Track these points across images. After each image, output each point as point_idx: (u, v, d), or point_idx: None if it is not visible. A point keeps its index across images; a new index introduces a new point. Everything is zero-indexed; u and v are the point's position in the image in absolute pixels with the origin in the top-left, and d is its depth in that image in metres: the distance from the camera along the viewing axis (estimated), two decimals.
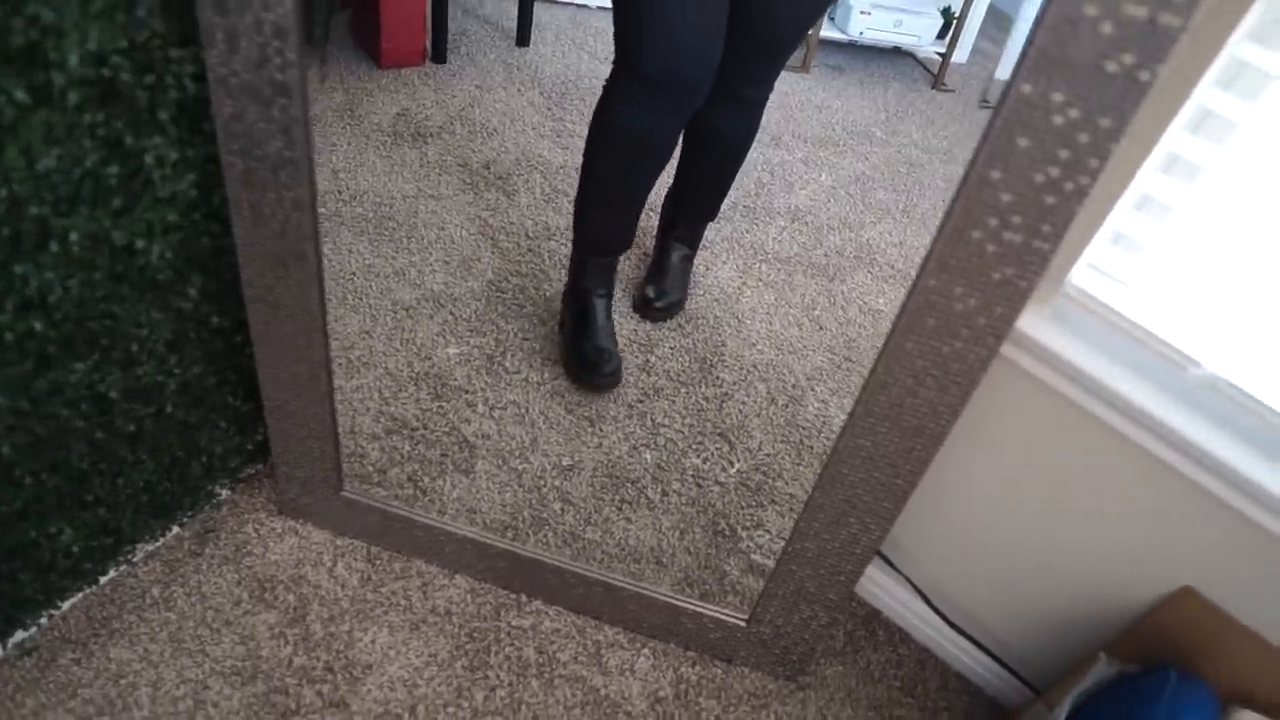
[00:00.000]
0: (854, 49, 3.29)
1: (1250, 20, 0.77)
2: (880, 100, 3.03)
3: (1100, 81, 0.63)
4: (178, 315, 0.99)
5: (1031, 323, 0.94)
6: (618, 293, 1.76)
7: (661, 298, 1.71)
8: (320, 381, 1.06)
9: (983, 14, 3.50)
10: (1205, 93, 0.82)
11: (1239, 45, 0.79)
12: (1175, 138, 0.85)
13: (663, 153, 1.46)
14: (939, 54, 3.23)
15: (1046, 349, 0.93)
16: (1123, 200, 0.86)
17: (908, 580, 1.25)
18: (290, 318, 0.99)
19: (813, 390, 1.65)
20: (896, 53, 3.39)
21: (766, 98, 1.55)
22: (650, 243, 1.92)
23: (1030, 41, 0.65)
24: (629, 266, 1.85)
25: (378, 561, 1.20)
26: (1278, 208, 0.84)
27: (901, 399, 0.87)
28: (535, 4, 2.77)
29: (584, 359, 1.53)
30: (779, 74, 1.52)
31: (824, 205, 2.28)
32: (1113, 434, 0.95)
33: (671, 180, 1.75)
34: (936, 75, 3.26)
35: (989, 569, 1.17)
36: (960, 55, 3.52)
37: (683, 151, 1.64)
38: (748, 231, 2.07)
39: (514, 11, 2.81)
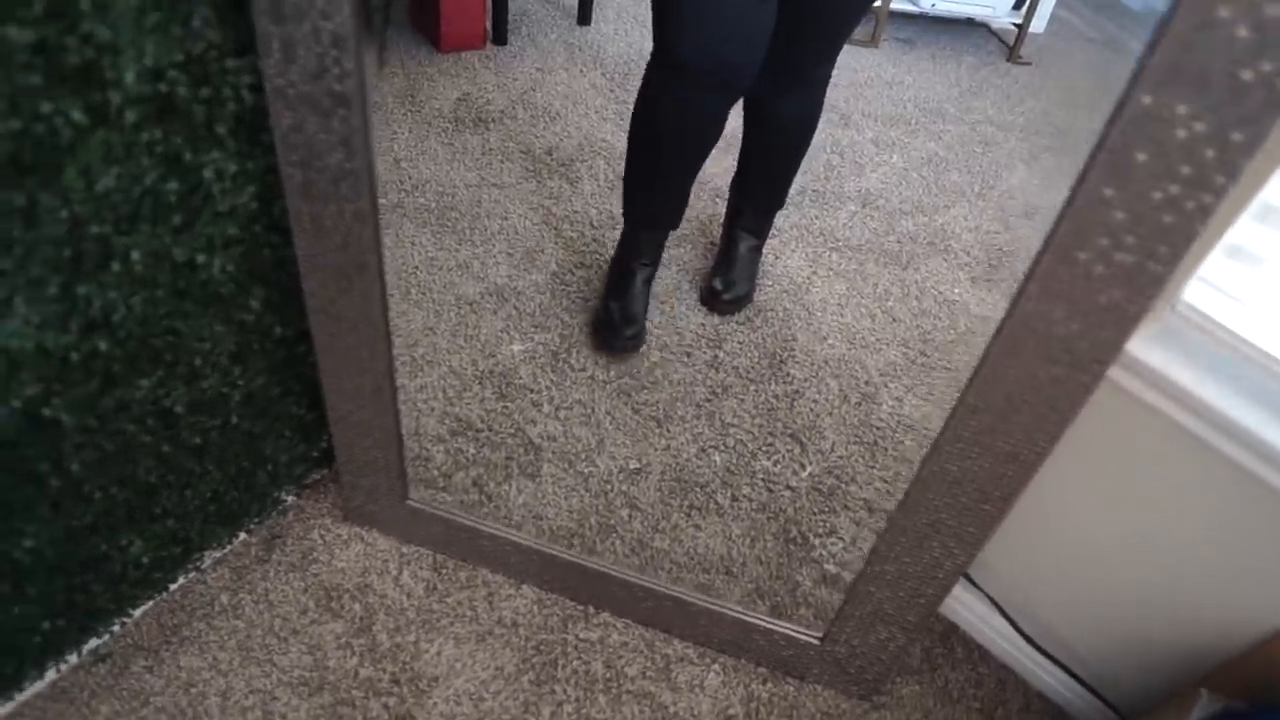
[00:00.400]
0: (925, 21, 3.18)
1: None
2: (953, 75, 2.91)
3: (1233, 92, 0.57)
4: (240, 327, 0.97)
5: (1137, 341, 0.87)
6: (685, 284, 1.72)
7: (729, 289, 1.66)
8: (384, 392, 1.04)
9: None
10: None
11: None
12: None
13: (708, 138, 1.43)
14: (1015, 25, 3.11)
15: (1153, 370, 0.86)
16: (1243, 212, 0.79)
17: (990, 599, 1.20)
18: (353, 329, 0.97)
19: (886, 387, 1.59)
20: (970, 24, 3.26)
21: (828, 77, 1.48)
22: (718, 231, 1.86)
23: (1151, 48, 0.59)
24: (695, 256, 1.80)
25: (443, 570, 1.19)
26: None
27: (994, 424, 0.81)
28: None
29: (610, 320, 1.52)
30: (839, 51, 1.44)
31: (895, 188, 2.20)
32: (1222, 459, 0.88)
33: (735, 167, 1.70)
34: (1012, 48, 3.13)
35: (1078, 589, 1.11)
36: (1038, 25, 3.38)
37: (744, 138, 1.59)
38: (817, 218, 2.00)
39: None
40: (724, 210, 1.77)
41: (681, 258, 1.80)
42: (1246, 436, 0.84)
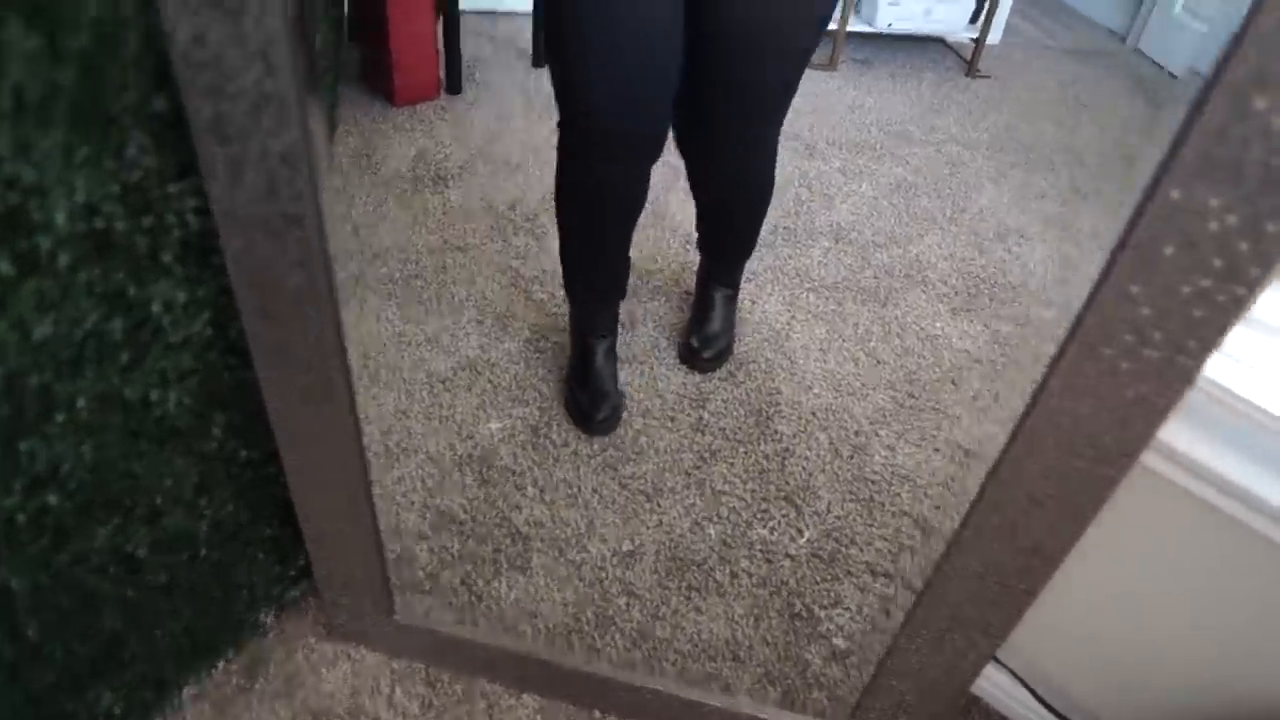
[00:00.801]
0: (882, 40, 3.17)
1: None
2: (914, 93, 2.90)
3: (1268, 183, 0.52)
4: (202, 458, 0.90)
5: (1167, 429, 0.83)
6: (663, 342, 1.67)
7: (707, 346, 1.61)
8: (360, 507, 0.97)
9: None
10: None
11: None
12: None
13: (631, 204, 1.37)
14: (972, 39, 3.10)
15: (1173, 447, 0.82)
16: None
17: (1013, 673, 1.14)
18: (324, 447, 0.90)
19: (878, 435, 1.54)
20: (927, 40, 3.26)
21: (774, 138, 1.40)
22: (692, 280, 1.81)
23: (1180, 141, 0.54)
24: (670, 309, 1.75)
25: (438, 684, 1.12)
26: None
27: (1015, 519, 0.76)
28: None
29: (580, 406, 1.47)
30: (780, 111, 1.35)
31: (867, 219, 2.16)
32: (1247, 532, 0.84)
33: (696, 230, 1.64)
34: (970, 62, 3.13)
35: (1104, 663, 1.06)
36: (994, 37, 3.38)
37: (699, 207, 1.54)
38: (790, 258, 1.96)
39: (528, 29, 2.71)
40: (694, 258, 1.72)
41: (656, 312, 1.75)
42: (1270, 509, 0.80)
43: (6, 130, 0.59)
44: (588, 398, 1.46)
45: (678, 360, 1.62)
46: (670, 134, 1.30)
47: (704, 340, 1.61)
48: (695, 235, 1.67)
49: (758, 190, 1.49)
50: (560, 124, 1.26)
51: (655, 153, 1.28)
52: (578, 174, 1.31)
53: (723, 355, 1.63)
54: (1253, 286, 0.57)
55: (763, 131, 1.37)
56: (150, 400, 0.81)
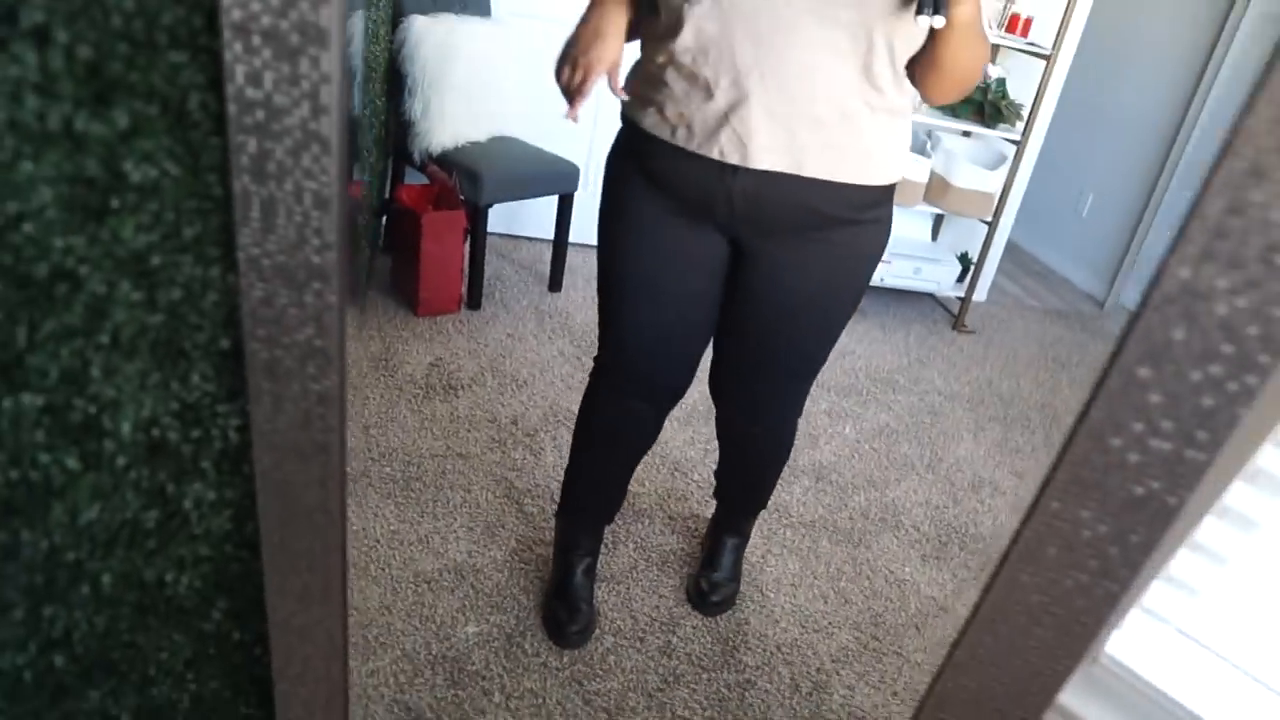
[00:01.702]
0: (875, 292, 3.41)
1: None
2: (902, 344, 3.10)
3: (1270, 267, 0.57)
4: (199, 636, 0.99)
5: (1066, 692, 0.92)
6: (642, 564, 1.76)
7: (715, 591, 1.69)
8: (336, 700, 1.04)
9: (1000, 253, 3.65)
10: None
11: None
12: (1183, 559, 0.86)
13: (640, 440, 1.53)
14: (959, 296, 3.34)
15: (1080, 718, 0.91)
16: (1156, 578, 0.86)
17: None
18: (314, 644, 0.99)
19: (838, 674, 1.60)
20: (917, 294, 3.50)
21: (798, 406, 1.53)
22: (674, 505, 1.92)
23: (1182, 230, 0.58)
24: (653, 532, 1.85)
25: None
26: None
27: (1012, 639, 0.79)
28: (568, 249, 2.90)
29: (555, 617, 1.55)
30: (804, 389, 1.49)
31: (848, 461, 2.29)
32: None
33: (693, 438, 1.78)
34: (957, 317, 3.35)
35: None
36: (980, 294, 3.63)
37: (720, 453, 1.68)
38: (773, 493, 2.08)
39: (548, 255, 2.95)
40: (678, 485, 1.84)
41: (638, 534, 1.84)
42: None
43: (100, 359, 0.73)
44: (564, 611, 1.55)
45: (686, 600, 1.70)
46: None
47: (712, 585, 1.70)
48: (683, 463, 1.80)
49: (780, 446, 1.60)
50: (596, 359, 1.43)
51: (676, 399, 1.45)
52: (603, 407, 1.47)
53: (729, 600, 1.71)
54: (1264, 374, 0.60)
55: (785, 397, 1.49)
56: (165, 581, 0.91)
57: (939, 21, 0.92)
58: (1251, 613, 0.85)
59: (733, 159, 1.10)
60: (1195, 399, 0.62)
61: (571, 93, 1.12)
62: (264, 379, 0.80)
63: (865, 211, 1.19)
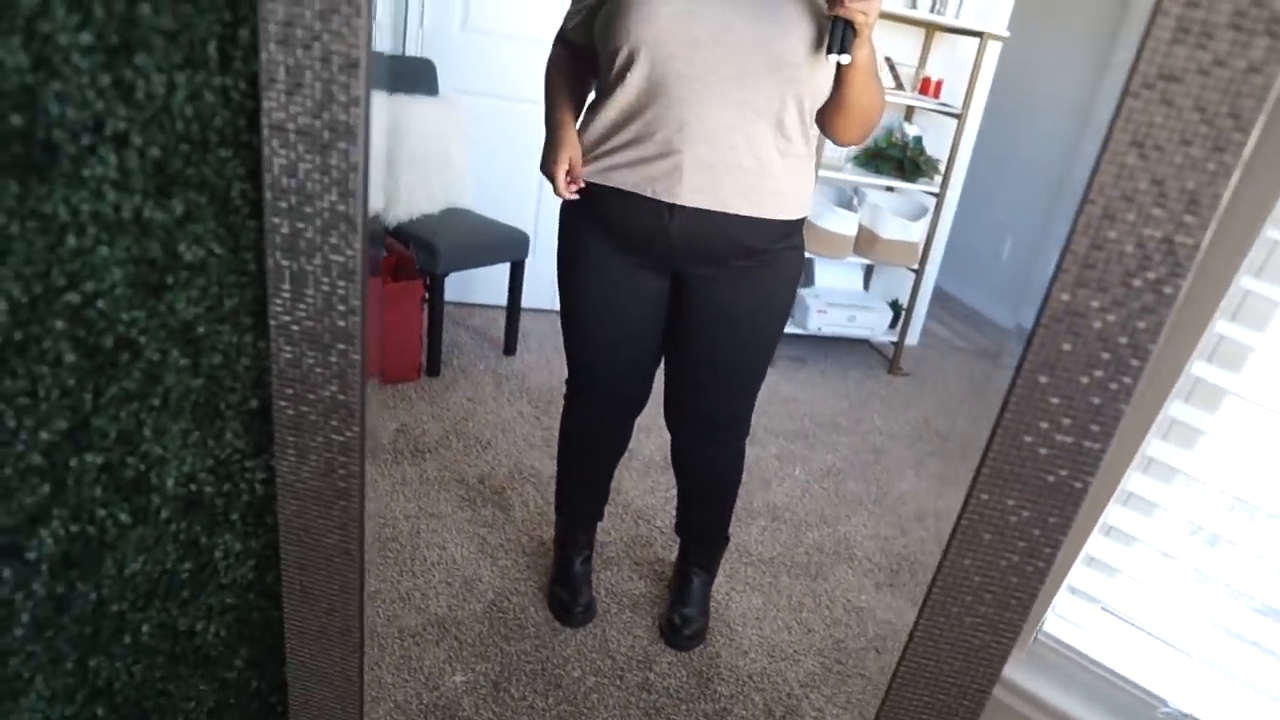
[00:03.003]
0: (813, 340, 3.57)
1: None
2: (842, 389, 3.26)
3: (1129, 290, 0.72)
4: (222, 684, 1.06)
5: (1012, 668, 1.04)
6: (615, 607, 1.84)
7: (688, 625, 1.78)
8: None
9: (928, 298, 3.85)
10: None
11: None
12: (1115, 513, 0.99)
13: (614, 445, 1.74)
14: (892, 341, 3.52)
15: (1027, 691, 1.02)
16: (1078, 561, 0.99)
17: None
18: (330, 688, 1.06)
19: (808, 698, 1.70)
20: (853, 341, 3.68)
21: (742, 426, 1.70)
22: (640, 551, 2.02)
23: (1060, 263, 0.74)
24: (621, 578, 1.94)
25: None
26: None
27: (960, 617, 0.90)
28: (521, 314, 3.01)
29: (560, 601, 1.75)
30: (746, 404, 1.66)
31: (800, 501, 2.41)
32: None
33: (653, 488, 1.90)
34: (892, 360, 3.53)
35: None
36: (912, 338, 3.82)
37: (678, 487, 1.79)
38: (731, 534, 2.18)
39: (502, 320, 3.06)
40: (642, 531, 1.94)
41: (608, 580, 1.93)
42: None
43: (152, 420, 0.82)
44: (567, 594, 1.74)
45: (660, 638, 1.79)
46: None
47: (684, 619, 1.80)
48: (646, 510, 1.91)
49: (730, 471, 1.77)
50: (567, 382, 1.65)
51: (638, 408, 1.65)
52: (577, 420, 1.69)
53: (700, 635, 1.81)
54: (1136, 375, 0.75)
55: (738, 418, 1.67)
56: (195, 630, 0.98)
57: (845, 59, 1.15)
58: (1161, 585, 0.98)
59: (665, 198, 1.30)
60: (1086, 398, 0.77)
61: (558, 186, 1.36)
62: (290, 432, 0.90)
63: (781, 241, 1.39)
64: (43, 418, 0.76)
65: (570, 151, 1.33)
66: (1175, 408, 0.91)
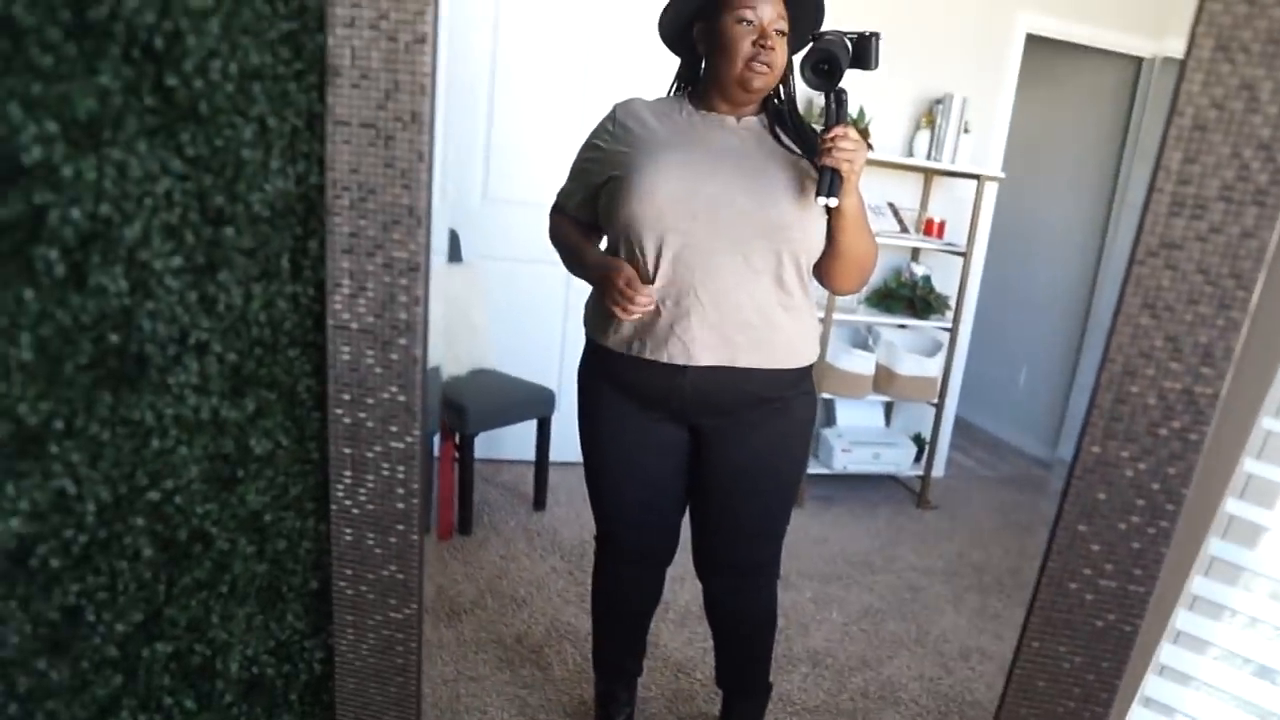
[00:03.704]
0: (840, 479, 3.58)
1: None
2: (872, 526, 3.24)
3: (1156, 440, 0.76)
4: None
5: None
6: None
7: None
8: None
9: (950, 430, 3.87)
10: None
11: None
12: None
13: (647, 598, 1.72)
14: (918, 475, 3.53)
15: None
16: (1135, 702, 0.99)
17: None
18: None
19: None
20: (880, 477, 3.68)
21: (770, 570, 1.68)
22: (682, 708, 1.99)
23: (1088, 415, 0.78)
24: None
25: None
26: None
27: None
28: (549, 468, 3.04)
29: None
30: (773, 547, 1.66)
31: (840, 644, 2.37)
32: None
33: (690, 638, 1.88)
34: (920, 495, 3.52)
35: None
36: (938, 470, 3.83)
37: (715, 638, 1.79)
38: (773, 682, 2.15)
39: (530, 476, 3.09)
40: (683, 685, 1.92)
41: None
42: None
43: (220, 607, 0.85)
44: None
45: None
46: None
47: None
48: (686, 663, 1.89)
49: (762, 617, 1.74)
50: (596, 538, 1.63)
51: (667, 560, 1.64)
52: (608, 573, 1.67)
53: None
54: (1173, 520, 0.78)
55: (765, 561, 1.65)
56: None
57: (833, 202, 1.21)
58: (1242, 689, 0.96)
59: (680, 361, 1.34)
60: (1126, 544, 0.80)
61: (633, 298, 1.30)
62: (349, 612, 0.93)
63: (792, 389, 1.43)
64: (120, 611, 0.79)
65: (618, 263, 1.32)
66: (1215, 545, 0.92)
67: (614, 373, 1.42)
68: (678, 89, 1.39)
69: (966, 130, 3.28)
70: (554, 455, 2.98)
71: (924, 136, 3.28)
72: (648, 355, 1.35)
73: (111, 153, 0.64)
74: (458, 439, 2.65)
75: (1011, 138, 3.39)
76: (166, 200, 0.68)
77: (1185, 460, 0.76)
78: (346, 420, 0.85)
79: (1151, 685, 0.99)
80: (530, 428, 2.95)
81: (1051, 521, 0.83)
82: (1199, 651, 0.97)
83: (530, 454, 3.01)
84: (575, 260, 1.45)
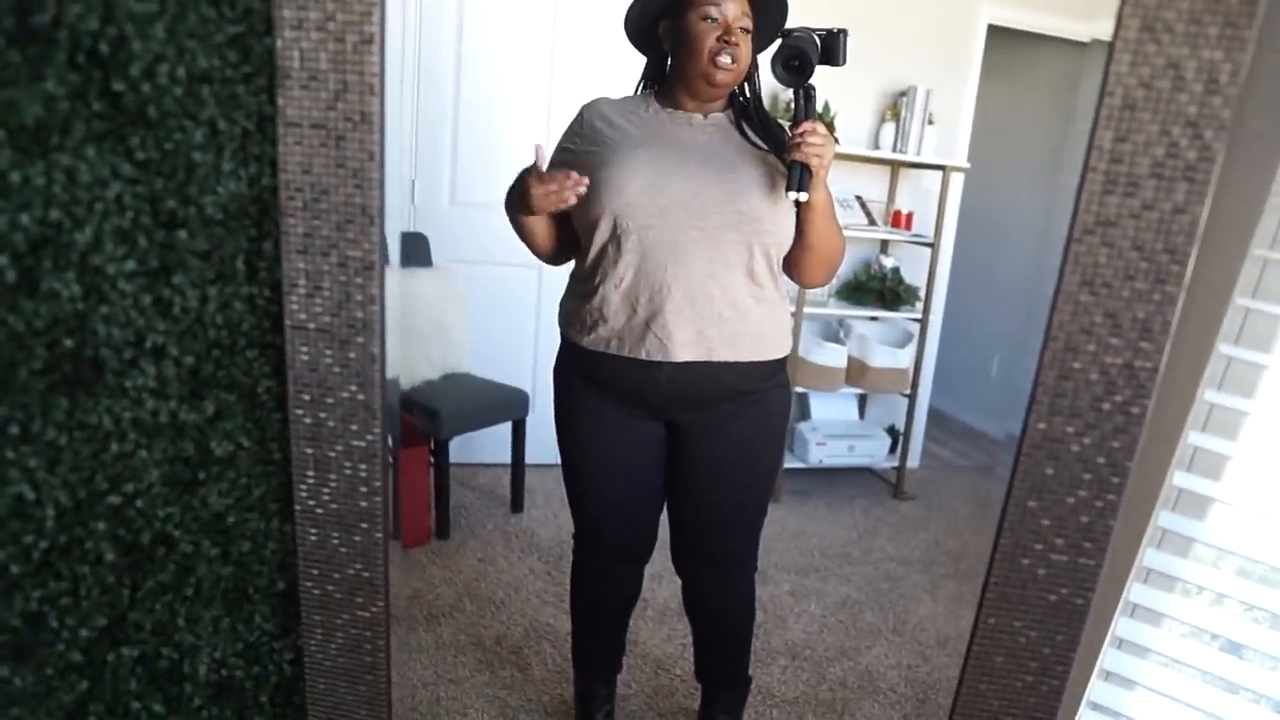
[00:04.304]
0: (816, 473, 3.60)
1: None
2: (849, 519, 3.26)
3: (1099, 414, 0.78)
4: None
5: None
6: None
7: None
8: None
9: (924, 421, 3.90)
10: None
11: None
12: None
13: (625, 594, 1.72)
14: (894, 467, 3.55)
15: None
16: (1094, 676, 1.01)
17: None
18: None
19: None
20: (856, 470, 3.71)
21: (748, 564, 1.69)
22: (662, 703, 2.00)
23: (1033, 395, 0.80)
24: None
25: None
26: None
27: None
28: (525, 470, 3.04)
29: None
30: (749, 541, 1.67)
31: (819, 636, 2.39)
32: None
33: (670, 635, 1.89)
34: (896, 485, 3.55)
35: None
36: (914, 461, 3.86)
37: (693, 632, 1.80)
38: (753, 675, 2.16)
39: (507, 478, 3.09)
40: (663, 682, 1.93)
41: None
42: None
43: (185, 610, 0.85)
44: None
45: None
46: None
47: None
48: (665, 660, 1.89)
49: (741, 611, 1.74)
50: (575, 535, 1.63)
51: (645, 556, 1.64)
52: (587, 570, 1.68)
53: None
54: (1119, 492, 0.80)
55: (736, 549, 1.66)
56: None
57: (803, 196, 1.22)
58: (1180, 693, 0.98)
59: (657, 357, 1.35)
60: (1075, 518, 0.82)
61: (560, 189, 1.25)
62: (316, 611, 0.93)
63: (767, 380, 1.45)
64: (83, 615, 0.80)
65: (525, 174, 1.28)
66: (1164, 518, 0.94)
67: (590, 370, 1.43)
68: (644, 87, 1.40)
69: (931, 122, 3.31)
70: (530, 457, 2.98)
71: (889, 129, 3.30)
72: (625, 353, 1.36)
73: (60, 158, 0.65)
74: (432, 444, 2.65)
75: (976, 128, 3.43)
76: (117, 204, 0.68)
77: (1128, 433, 0.77)
78: (307, 420, 0.86)
79: (1110, 658, 1.01)
80: (506, 430, 2.95)
81: (1002, 501, 0.85)
82: (1154, 624, 0.99)
83: (506, 457, 3.01)
84: (518, 229, 1.40)
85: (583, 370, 1.45)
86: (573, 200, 1.24)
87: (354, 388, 0.84)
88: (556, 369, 1.53)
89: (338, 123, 0.74)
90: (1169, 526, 0.92)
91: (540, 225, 1.36)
